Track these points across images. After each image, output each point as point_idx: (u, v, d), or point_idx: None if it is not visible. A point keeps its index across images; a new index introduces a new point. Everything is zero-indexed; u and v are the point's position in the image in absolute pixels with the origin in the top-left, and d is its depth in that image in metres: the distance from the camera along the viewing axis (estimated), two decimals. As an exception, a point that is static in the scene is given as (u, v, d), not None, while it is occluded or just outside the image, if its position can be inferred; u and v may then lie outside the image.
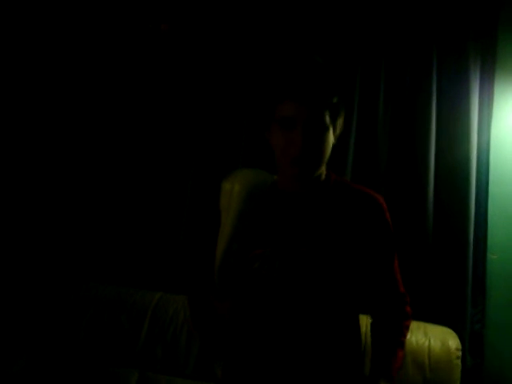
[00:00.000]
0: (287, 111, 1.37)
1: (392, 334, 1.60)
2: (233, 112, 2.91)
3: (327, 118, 1.39)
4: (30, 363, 2.76)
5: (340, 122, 1.46)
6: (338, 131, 1.47)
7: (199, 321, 1.67)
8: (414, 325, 2.53)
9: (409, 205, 2.69)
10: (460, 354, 2.49)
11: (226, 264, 1.40)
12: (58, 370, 2.73)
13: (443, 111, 2.71)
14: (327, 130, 1.40)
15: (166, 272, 2.96)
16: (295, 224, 1.49)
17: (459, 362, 2.48)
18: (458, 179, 2.66)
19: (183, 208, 2.96)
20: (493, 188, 2.71)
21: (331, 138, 1.43)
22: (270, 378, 1.50)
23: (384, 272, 1.59)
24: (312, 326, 1.49)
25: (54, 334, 2.83)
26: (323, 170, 1.52)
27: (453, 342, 2.50)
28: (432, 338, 2.51)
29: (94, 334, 2.78)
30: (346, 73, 2.76)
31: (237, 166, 2.87)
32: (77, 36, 3.06)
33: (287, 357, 1.49)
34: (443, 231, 2.68)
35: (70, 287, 2.94)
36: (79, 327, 2.80)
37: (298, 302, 1.48)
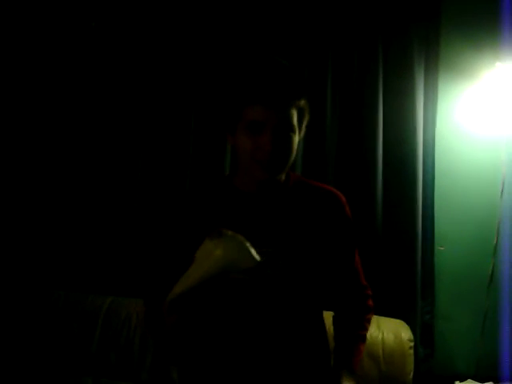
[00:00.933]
0: (255, 115, 1.34)
1: (353, 328, 1.63)
2: (182, 110, 2.90)
3: (295, 121, 1.37)
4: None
5: (306, 123, 1.45)
6: (302, 133, 1.46)
7: (153, 325, 1.63)
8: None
9: (357, 199, 2.72)
10: (412, 344, 2.54)
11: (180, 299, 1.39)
12: (9, 378, 2.65)
13: (390, 107, 2.76)
14: (294, 133, 1.38)
15: (117, 276, 2.92)
16: (256, 224, 1.46)
17: (412, 352, 2.53)
18: (406, 173, 2.71)
19: (132, 210, 2.92)
20: (439, 182, 2.78)
21: (297, 141, 1.41)
22: (234, 376, 1.49)
23: (345, 266, 1.61)
24: (277, 323, 1.48)
25: (3, 342, 2.74)
26: None
27: (405, 333, 2.55)
28: (385, 331, 2.55)
29: (45, 341, 2.72)
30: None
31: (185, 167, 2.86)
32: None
33: (253, 354, 1.48)
34: (392, 225, 2.73)
35: (19, 293, 2.86)
36: (29, 334, 2.73)
37: (263, 301, 1.47)
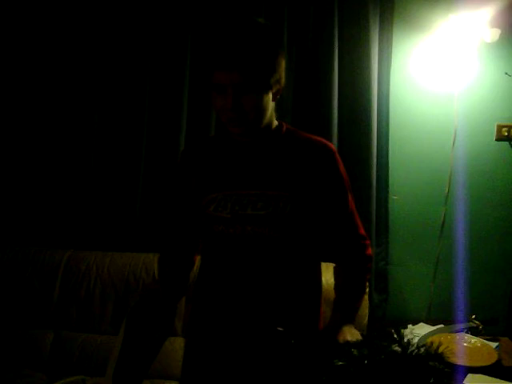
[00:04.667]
0: (218, 78, 1.45)
1: (354, 279, 1.65)
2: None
3: (257, 81, 1.44)
4: None
5: (276, 79, 1.50)
6: (276, 87, 1.51)
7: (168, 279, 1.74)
8: (323, 265, 2.64)
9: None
10: (367, 290, 2.61)
11: None
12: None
13: (345, 59, 2.79)
14: (257, 91, 1.46)
15: (76, 229, 2.91)
16: (247, 170, 1.56)
17: (366, 298, 2.60)
18: (360, 124, 2.77)
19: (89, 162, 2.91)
20: (393, 133, 2.85)
21: (264, 98, 1.48)
22: (230, 324, 1.57)
23: (341, 216, 1.62)
24: (269, 271, 1.55)
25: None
26: (271, 121, 1.58)
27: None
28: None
29: (5, 296, 2.71)
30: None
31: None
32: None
33: (247, 302, 1.56)
34: (347, 175, 2.77)
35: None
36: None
37: (252, 246, 1.54)
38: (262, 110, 1.49)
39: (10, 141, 2.97)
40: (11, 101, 2.97)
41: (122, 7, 2.85)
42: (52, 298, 2.70)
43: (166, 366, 2.56)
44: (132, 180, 2.88)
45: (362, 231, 1.66)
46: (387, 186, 2.84)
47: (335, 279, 1.70)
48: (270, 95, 1.50)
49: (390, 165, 2.84)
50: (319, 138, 1.61)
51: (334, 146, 1.63)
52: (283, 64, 1.52)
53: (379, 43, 2.78)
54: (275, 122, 1.61)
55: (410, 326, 2.75)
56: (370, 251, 1.68)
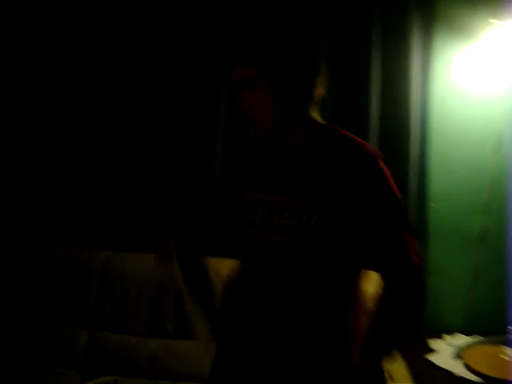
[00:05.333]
0: (232, 77, 1.43)
1: (401, 306, 1.47)
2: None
3: (272, 78, 1.38)
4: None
5: (300, 79, 1.41)
6: (303, 88, 1.42)
7: (190, 279, 1.74)
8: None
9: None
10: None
11: None
12: (6, 331, 2.68)
13: (385, 65, 2.75)
14: (261, 91, 1.39)
15: (114, 231, 2.93)
16: (279, 175, 1.49)
17: (402, 306, 2.57)
18: (400, 131, 2.72)
19: (127, 164, 2.93)
20: (434, 140, 2.79)
21: (282, 98, 1.40)
22: (253, 332, 1.50)
23: (387, 235, 1.41)
24: (288, 284, 1.45)
25: (1, 296, 2.75)
26: (307, 123, 1.48)
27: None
28: (376, 285, 2.58)
29: (42, 295, 2.74)
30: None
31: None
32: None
33: (267, 313, 1.47)
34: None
35: (16, 249, 2.86)
36: (26, 289, 2.75)
37: (276, 255, 1.45)
38: (267, 113, 1.42)
39: (55, 143, 2.99)
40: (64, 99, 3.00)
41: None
42: (88, 298, 2.72)
43: (188, 369, 2.57)
44: (169, 185, 2.87)
45: (415, 252, 1.42)
46: (426, 193, 2.79)
47: (377, 313, 1.49)
48: (297, 96, 1.41)
49: (429, 172, 2.79)
50: (361, 144, 1.45)
51: (378, 152, 1.46)
52: (318, 63, 1.44)
53: (420, 51, 2.74)
54: (317, 124, 1.50)
55: (444, 335, 2.72)
56: (421, 276, 1.44)
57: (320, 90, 1.46)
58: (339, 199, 1.39)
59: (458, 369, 2.38)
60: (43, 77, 2.96)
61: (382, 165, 1.43)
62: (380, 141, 2.76)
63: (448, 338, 2.70)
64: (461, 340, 2.66)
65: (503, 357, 2.40)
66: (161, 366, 2.59)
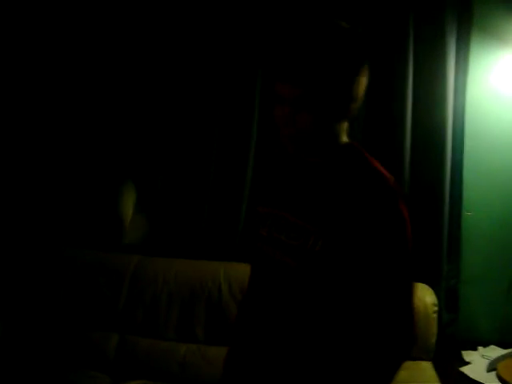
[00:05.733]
0: (276, 88, 1.30)
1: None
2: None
3: (315, 98, 1.24)
4: (8, 328, 2.75)
5: (344, 98, 1.29)
6: (343, 106, 1.30)
7: None
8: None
9: (385, 164, 2.69)
10: (436, 309, 2.55)
11: None
12: (38, 334, 2.72)
13: (420, 71, 2.71)
14: (314, 110, 1.25)
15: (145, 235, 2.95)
16: (292, 191, 1.42)
17: (435, 317, 2.53)
18: (434, 138, 2.68)
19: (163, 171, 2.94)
20: (469, 147, 2.74)
21: (322, 117, 1.28)
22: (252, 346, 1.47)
23: (375, 285, 1.30)
24: (285, 305, 1.39)
25: (33, 298, 2.80)
26: (334, 142, 1.37)
27: (429, 298, 2.55)
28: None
29: (73, 298, 2.77)
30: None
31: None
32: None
33: (262, 331, 1.44)
34: (419, 190, 2.72)
35: (48, 252, 2.90)
36: (58, 292, 2.78)
37: (277, 272, 1.40)
38: (315, 131, 1.30)
39: (89, 148, 3.03)
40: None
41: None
42: (119, 302, 2.74)
43: (217, 374, 2.53)
44: (200, 191, 2.89)
45: (408, 306, 1.30)
46: (461, 201, 2.74)
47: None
48: (334, 115, 1.31)
49: (464, 180, 2.74)
50: (383, 176, 1.32)
51: (400, 189, 1.35)
52: (360, 81, 1.30)
53: (456, 57, 2.69)
54: (341, 143, 1.39)
55: (479, 347, 2.66)
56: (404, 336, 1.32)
57: (356, 107, 1.35)
58: (348, 229, 1.28)
59: (492, 382, 2.34)
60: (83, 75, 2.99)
61: (402, 206, 1.30)
62: (414, 147, 2.72)
63: (482, 350, 2.65)
64: (495, 352, 2.60)
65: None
66: (190, 371, 2.59)
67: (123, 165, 3.00)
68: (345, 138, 1.40)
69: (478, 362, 2.54)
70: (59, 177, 3.04)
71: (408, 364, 2.32)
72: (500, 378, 2.34)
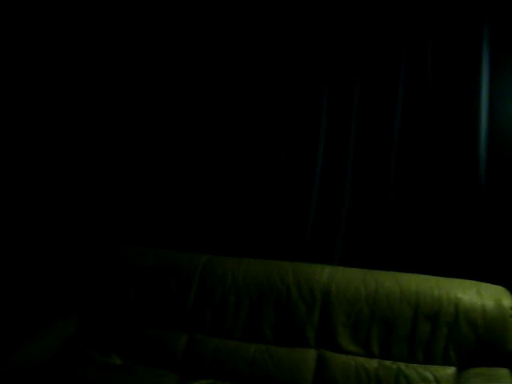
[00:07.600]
0: None
1: None
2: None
3: None
4: (80, 327, 2.83)
5: None
6: None
7: None
8: (466, 283, 2.50)
9: (461, 160, 2.68)
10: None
11: None
12: (108, 333, 2.78)
13: (495, 82, 2.66)
14: None
15: (214, 234, 2.98)
16: None
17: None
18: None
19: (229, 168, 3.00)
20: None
21: None
22: None
23: None
24: None
25: (104, 298, 2.88)
26: None
27: (506, 300, 2.44)
28: (485, 297, 2.46)
29: (143, 297, 2.82)
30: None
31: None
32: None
33: None
34: (496, 186, 2.65)
35: (118, 252, 2.97)
36: (128, 291, 2.84)
37: None
38: None
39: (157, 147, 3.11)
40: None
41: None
42: (188, 301, 2.77)
43: (286, 375, 2.55)
44: (269, 190, 2.91)
45: None
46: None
47: None
48: None
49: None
50: None
51: None
52: None
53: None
54: None
55: None
56: None
57: None
58: None
59: None
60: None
61: None
62: (489, 157, 2.66)
63: None
64: None
65: None
66: (258, 372, 2.57)
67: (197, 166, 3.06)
68: None
69: None
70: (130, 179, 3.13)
71: (483, 370, 2.30)
72: None
